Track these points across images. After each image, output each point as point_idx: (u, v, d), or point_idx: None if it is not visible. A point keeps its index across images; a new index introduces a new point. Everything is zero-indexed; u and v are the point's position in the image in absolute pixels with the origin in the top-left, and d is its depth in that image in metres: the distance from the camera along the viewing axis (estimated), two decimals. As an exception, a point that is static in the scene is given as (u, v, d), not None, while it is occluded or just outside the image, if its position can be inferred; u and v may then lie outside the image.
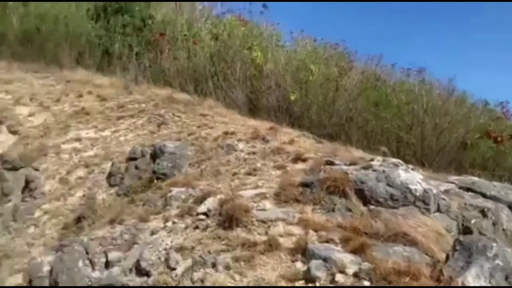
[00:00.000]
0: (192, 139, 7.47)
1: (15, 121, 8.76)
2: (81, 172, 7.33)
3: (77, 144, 7.91)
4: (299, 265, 3.62)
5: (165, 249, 4.15)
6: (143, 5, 11.20)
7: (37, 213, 6.78)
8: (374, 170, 4.53)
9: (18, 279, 5.76)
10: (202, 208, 4.59)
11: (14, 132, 8.74)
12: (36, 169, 7.58)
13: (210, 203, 4.61)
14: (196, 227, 4.36)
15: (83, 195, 6.87)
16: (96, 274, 4.34)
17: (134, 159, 7.03)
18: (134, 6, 11.01)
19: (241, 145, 6.86)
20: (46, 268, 4.71)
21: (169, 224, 4.56)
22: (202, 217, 4.50)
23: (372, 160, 4.87)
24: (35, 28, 10.51)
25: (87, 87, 9.35)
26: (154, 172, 6.59)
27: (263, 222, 4.14)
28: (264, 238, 3.95)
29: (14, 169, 7.74)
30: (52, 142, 8.03)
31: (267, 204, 4.45)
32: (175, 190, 5.38)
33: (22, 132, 8.57)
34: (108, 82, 9.67)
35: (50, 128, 8.40)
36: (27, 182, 7.45)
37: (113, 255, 4.39)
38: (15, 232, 6.71)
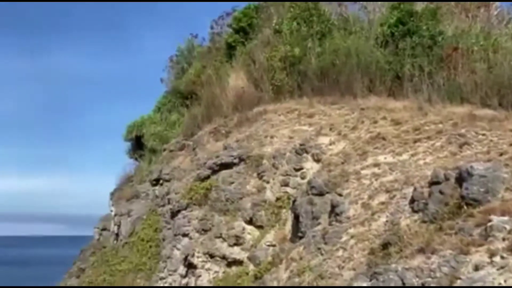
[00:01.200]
0: (505, 160, 6.55)
1: (318, 150, 9.58)
2: (382, 197, 7.33)
3: (376, 169, 8.00)
4: None
5: (497, 290, 3.57)
6: (431, 24, 10.74)
7: (344, 237, 7.08)
8: None
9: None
10: (539, 242, 3.79)
11: (317, 160, 9.57)
12: (340, 194, 8.01)
13: (550, 237, 3.77)
14: (536, 266, 3.61)
15: (386, 221, 6.81)
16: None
17: (437, 183, 6.58)
18: (422, 26, 10.67)
19: None
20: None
21: (497, 259, 3.96)
22: (541, 253, 3.71)
23: None
24: (330, 63, 11.39)
25: (381, 112, 9.47)
26: (462, 197, 6.01)
27: None
28: None
29: (321, 194, 8.42)
30: (352, 168, 8.38)
31: None
32: (495, 219, 4.71)
33: (324, 160, 9.29)
34: (401, 106, 9.56)
35: (349, 155, 8.80)
36: (333, 207, 7.94)
37: (432, 288, 4.07)
38: (326, 254, 7.17)
